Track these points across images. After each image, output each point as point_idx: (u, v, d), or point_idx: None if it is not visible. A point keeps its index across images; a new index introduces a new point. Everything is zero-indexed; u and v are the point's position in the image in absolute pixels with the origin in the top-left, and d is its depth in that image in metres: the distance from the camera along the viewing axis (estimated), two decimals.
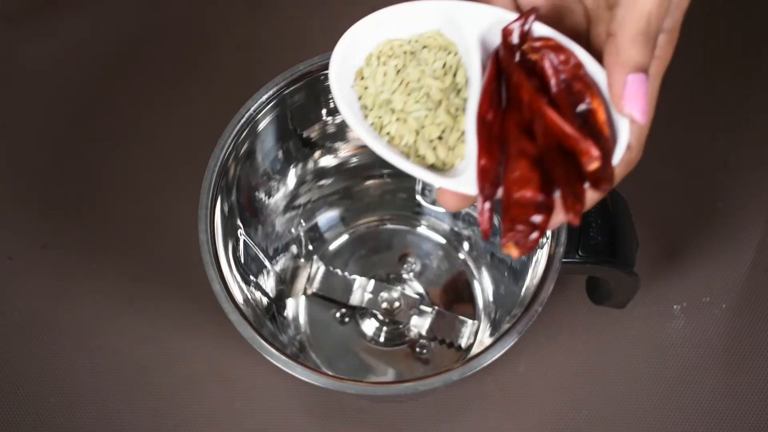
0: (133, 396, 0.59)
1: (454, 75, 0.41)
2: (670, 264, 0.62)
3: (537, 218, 0.37)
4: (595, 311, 0.59)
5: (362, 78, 0.42)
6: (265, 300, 0.57)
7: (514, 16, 0.40)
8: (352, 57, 0.42)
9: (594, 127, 0.38)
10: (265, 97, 0.51)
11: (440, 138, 0.40)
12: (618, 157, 0.37)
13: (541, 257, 0.49)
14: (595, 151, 0.36)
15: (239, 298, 0.49)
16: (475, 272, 0.62)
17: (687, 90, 0.67)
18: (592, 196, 0.38)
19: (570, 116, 0.37)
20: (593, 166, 0.36)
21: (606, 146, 0.37)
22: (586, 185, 0.37)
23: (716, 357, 0.59)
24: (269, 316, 0.57)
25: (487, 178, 0.38)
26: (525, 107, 0.38)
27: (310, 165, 0.59)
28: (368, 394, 0.52)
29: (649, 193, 0.63)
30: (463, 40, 0.40)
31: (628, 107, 0.36)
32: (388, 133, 0.41)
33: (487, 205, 0.37)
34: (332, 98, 0.54)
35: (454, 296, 0.62)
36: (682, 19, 0.38)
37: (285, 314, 0.60)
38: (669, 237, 0.62)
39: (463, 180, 0.39)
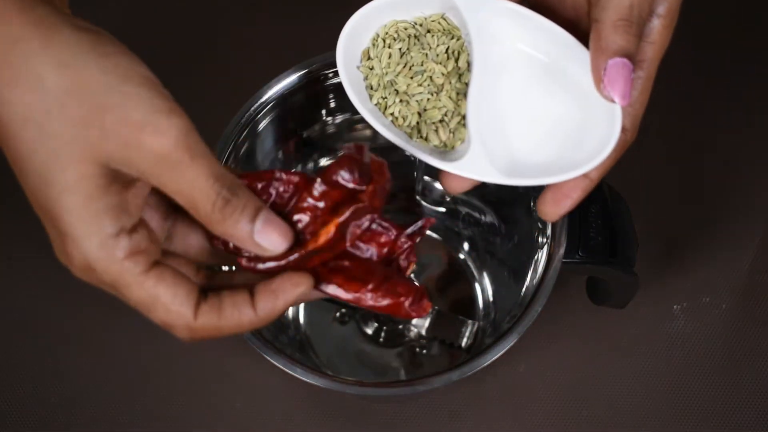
0: (133, 396, 0.59)
1: (457, 60, 0.42)
2: (670, 264, 0.62)
3: None
4: (595, 311, 0.59)
5: (368, 58, 0.42)
6: None
7: (511, 5, 0.40)
8: (359, 38, 0.43)
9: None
10: (265, 97, 0.51)
11: (441, 121, 0.41)
12: (613, 142, 0.38)
13: (541, 257, 0.49)
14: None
15: None
16: (475, 272, 0.62)
17: (687, 90, 0.67)
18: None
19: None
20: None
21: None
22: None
23: (716, 357, 0.59)
24: None
25: None
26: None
27: (310, 165, 0.59)
28: (368, 394, 0.52)
29: (649, 193, 0.63)
30: (464, 26, 0.41)
31: (608, 90, 0.38)
32: (392, 114, 0.42)
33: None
34: (332, 97, 0.54)
35: (454, 296, 0.62)
36: (679, 2, 0.39)
37: (285, 314, 0.60)
38: (669, 237, 0.62)
39: (464, 163, 0.40)
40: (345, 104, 0.55)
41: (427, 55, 0.42)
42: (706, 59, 0.68)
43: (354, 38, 0.42)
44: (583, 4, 0.41)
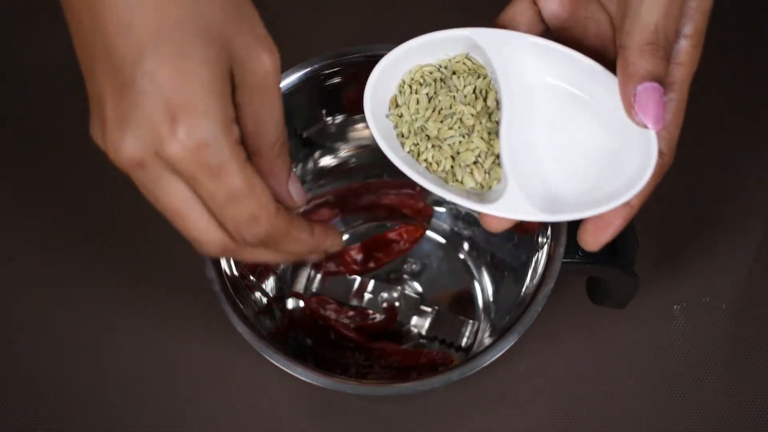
0: (133, 396, 0.59)
1: (485, 99, 0.42)
2: (670, 264, 0.62)
3: None
4: (595, 311, 0.59)
5: (396, 106, 0.42)
6: (264, 300, 0.57)
7: (534, 39, 0.40)
8: (385, 86, 0.42)
9: None
10: None
11: (476, 163, 0.41)
12: (651, 168, 0.38)
13: (541, 257, 0.49)
14: None
15: (239, 298, 0.49)
16: (475, 272, 0.62)
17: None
18: None
19: None
20: None
21: None
22: None
23: (716, 357, 0.59)
24: (269, 316, 0.57)
25: None
26: None
27: (310, 165, 0.59)
28: (368, 394, 0.52)
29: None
30: (489, 64, 0.41)
31: (639, 116, 0.37)
32: (425, 160, 0.42)
33: None
34: (332, 97, 0.54)
35: (454, 296, 0.62)
36: (705, 21, 0.39)
37: (286, 316, 0.60)
38: (669, 237, 0.62)
39: (501, 204, 0.39)
40: (345, 104, 0.55)
41: (454, 97, 0.42)
42: (705, 60, 0.68)
43: (380, 87, 0.42)
44: (607, 31, 0.41)
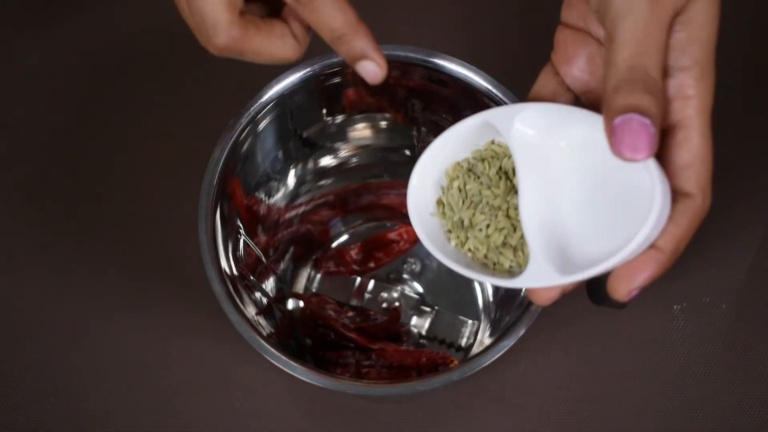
0: (133, 396, 0.59)
1: (509, 178, 0.42)
2: None
3: None
4: (595, 311, 0.59)
5: (442, 205, 0.44)
6: (265, 300, 0.57)
7: (535, 105, 0.40)
8: (424, 188, 0.44)
9: None
10: (265, 97, 0.51)
11: (505, 244, 0.42)
12: (656, 207, 0.36)
13: None
14: None
15: (239, 298, 0.49)
16: None
17: None
18: None
19: None
20: None
21: None
22: None
23: (716, 357, 0.59)
24: (269, 316, 0.57)
25: None
26: None
27: (310, 165, 0.59)
28: (368, 394, 0.52)
29: None
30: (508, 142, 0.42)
31: (617, 148, 0.35)
32: (468, 250, 0.43)
33: None
34: (332, 97, 0.54)
35: (454, 296, 0.62)
36: (707, 51, 0.37)
37: (287, 320, 0.60)
38: None
39: (524, 276, 0.40)
40: (345, 104, 0.55)
41: (482, 182, 0.42)
42: None
43: (419, 190, 0.43)
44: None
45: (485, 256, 0.42)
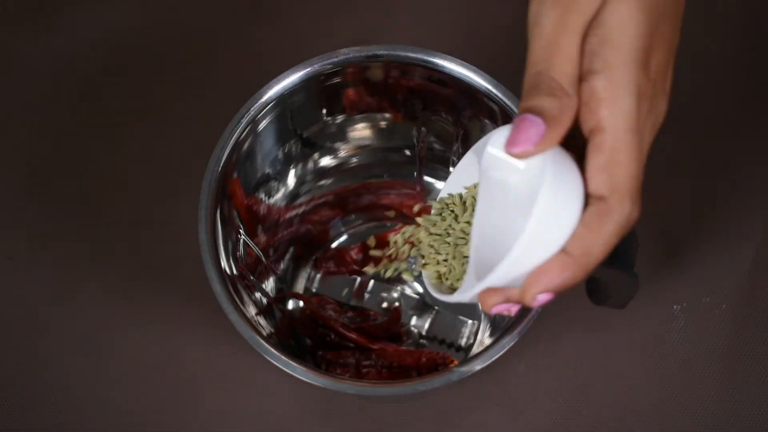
0: (133, 396, 0.59)
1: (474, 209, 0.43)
2: (670, 264, 0.62)
3: None
4: (595, 311, 0.59)
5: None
6: (265, 300, 0.57)
7: (500, 128, 0.40)
8: None
9: None
10: (265, 97, 0.51)
11: (445, 260, 0.44)
12: (541, 200, 0.36)
13: None
14: None
15: (239, 298, 0.49)
16: None
17: (686, 90, 0.67)
18: None
19: None
20: None
21: None
22: None
23: (716, 357, 0.59)
24: (269, 316, 0.57)
25: None
26: None
27: (310, 165, 0.59)
28: (368, 394, 0.52)
29: (649, 193, 0.63)
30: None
31: (507, 146, 0.37)
32: (438, 277, 0.45)
33: None
34: (332, 97, 0.54)
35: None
36: (622, 54, 0.36)
37: (286, 318, 0.60)
38: (669, 237, 0.62)
39: (461, 289, 0.41)
40: (345, 104, 0.55)
41: (455, 215, 0.44)
42: (706, 59, 0.68)
43: None
44: None
45: (452, 285, 0.44)
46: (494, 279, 0.38)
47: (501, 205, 0.41)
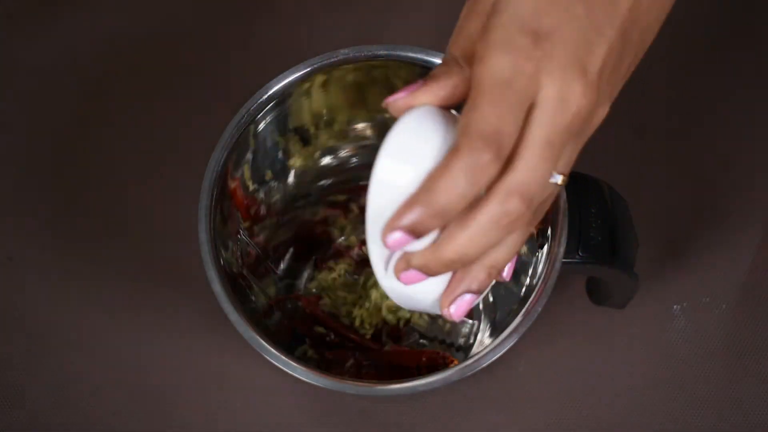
0: (132, 396, 0.59)
1: None
2: (670, 264, 0.62)
3: None
4: (595, 311, 0.59)
5: None
6: (265, 300, 0.57)
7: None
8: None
9: None
10: (265, 97, 0.51)
11: None
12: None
13: (541, 257, 0.49)
14: None
15: (239, 298, 0.49)
16: None
17: (687, 90, 0.67)
18: None
19: None
20: None
21: None
22: None
23: (716, 357, 0.59)
24: (269, 316, 0.57)
25: None
26: None
27: (310, 165, 0.59)
28: (368, 394, 0.52)
29: (649, 193, 0.63)
30: None
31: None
32: None
33: None
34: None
35: None
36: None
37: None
38: (669, 237, 0.62)
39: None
40: (345, 104, 0.55)
41: None
42: (707, 59, 0.68)
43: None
44: None
45: None
46: (371, 236, 0.38)
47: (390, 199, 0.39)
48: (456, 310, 0.40)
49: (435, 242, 0.37)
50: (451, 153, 0.35)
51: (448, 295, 0.40)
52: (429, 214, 0.35)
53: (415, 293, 0.40)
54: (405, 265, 0.38)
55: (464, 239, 0.36)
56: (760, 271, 0.61)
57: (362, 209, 0.63)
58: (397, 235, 0.36)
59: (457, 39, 0.39)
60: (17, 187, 0.66)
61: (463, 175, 0.34)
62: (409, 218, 0.35)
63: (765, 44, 0.69)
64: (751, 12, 0.70)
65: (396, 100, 0.38)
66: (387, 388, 0.48)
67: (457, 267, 0.38)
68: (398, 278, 0.38)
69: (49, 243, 0.64)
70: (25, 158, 0.67)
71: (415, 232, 0.36)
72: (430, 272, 0.38)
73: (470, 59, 0.37)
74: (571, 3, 0.36)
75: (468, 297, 0.40)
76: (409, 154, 0.36)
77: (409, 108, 0.37)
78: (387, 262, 0.39)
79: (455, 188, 0.35)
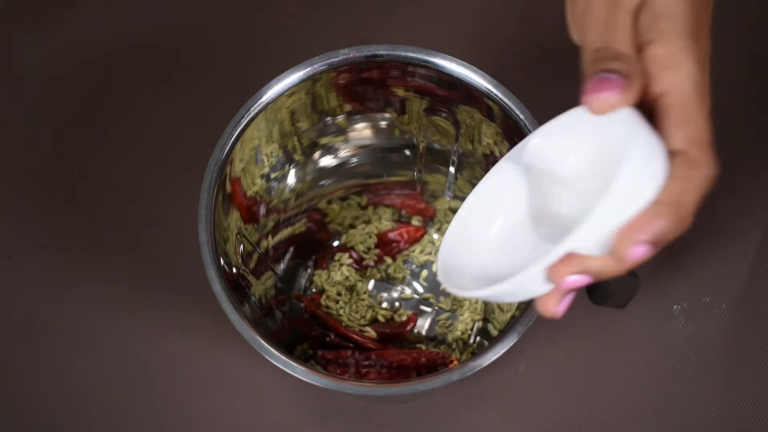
0: (132, 396, 0.59)
1: None
2: (670, 264, 0.62)
3: None
4: (595, 311, 0.59)
5: None
6: (265, 300, 0.57)
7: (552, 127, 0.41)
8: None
9: None
10: (265, 97, 0.51)
11: None
12: (632, 160, 0.36)
13: None
14: None
15: (239, 298, 0.49)
16: None
17: None
18: None
19: None
20: None
21: None
22: None
23: (716, 357, 0.59)
24: (269, 316, 0.57)
25: None
26: None
27: (310, 165, 0.59)
28: (368, 394, 0.52)
29: None
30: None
31: (584, 100, 0.36)
32: None
33: None
34: (332, 97, 0.54)
35: (454, 296, 0.62)
36: (677, 22, 0.38)
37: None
38: None
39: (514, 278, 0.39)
40: (345, 104, 0.55)
41: None
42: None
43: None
44: None
45: None
46: (576, 240, 0.36)
47: (545, 194, 0.41)
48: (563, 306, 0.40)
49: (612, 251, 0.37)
50: (692, 165, 0.37)
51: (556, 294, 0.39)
52: (676, 226, 0.37)
53: (531, 291, 0.40)
54: (577, 269, 0.37)
55: (687, 217, 0.38)
56: (760, 272, 0.62)
57: (363, 208, 0.63)
58: (642, 249, 0.37)
59: (615, 36, 0.38)
60: (17, 187, 0.66)
61: (704, 186, 0.38)
62: (660, 228, 0.36)
63: (765, 46, 0.69)
64: (752, 15, 0.70)
65: (599, 99, 0.36)
66: (387, 388, 0.48)
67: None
68: (560, 282, 0.38)
69: (49, 243, 0.64)
70: (25, 158, 0.67)
71: (657, 243, 0.37)
72: (600, 277, 0.38)
73: (634, 54, 0.37)
74: (703, 14, 0.40)
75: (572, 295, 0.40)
76: (651, 167, 0.37)
77: (615, 108, 0.36)
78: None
79: (698, 199, 0.38)
